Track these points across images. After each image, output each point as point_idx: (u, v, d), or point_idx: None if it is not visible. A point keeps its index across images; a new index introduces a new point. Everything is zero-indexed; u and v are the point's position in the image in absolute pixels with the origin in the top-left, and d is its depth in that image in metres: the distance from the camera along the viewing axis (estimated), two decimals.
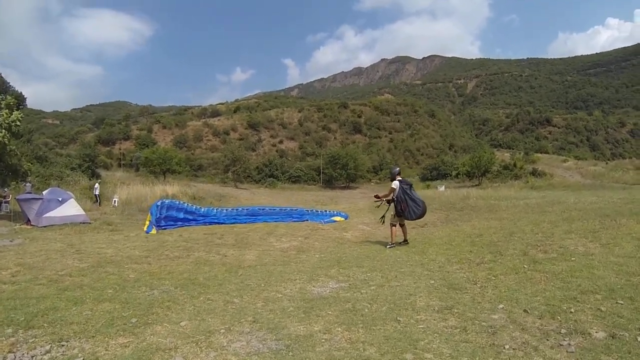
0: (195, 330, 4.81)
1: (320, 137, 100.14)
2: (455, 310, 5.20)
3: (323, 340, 4.46)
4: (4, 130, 19.65)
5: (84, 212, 17.73)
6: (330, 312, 5.37)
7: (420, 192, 36.69)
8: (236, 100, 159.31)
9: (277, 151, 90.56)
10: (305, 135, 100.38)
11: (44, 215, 16.01)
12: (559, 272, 6.51)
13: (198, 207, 18.43)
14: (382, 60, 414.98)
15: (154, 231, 14.61)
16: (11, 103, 21.47)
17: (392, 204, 10.71)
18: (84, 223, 16.56)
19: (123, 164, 71.85)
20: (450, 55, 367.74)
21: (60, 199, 17.04)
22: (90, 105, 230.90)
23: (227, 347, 4.34)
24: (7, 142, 19.83)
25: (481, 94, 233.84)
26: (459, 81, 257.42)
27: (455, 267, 7.63)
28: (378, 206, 12.46)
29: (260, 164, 73.17)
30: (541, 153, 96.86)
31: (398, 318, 5.01)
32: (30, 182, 22.98)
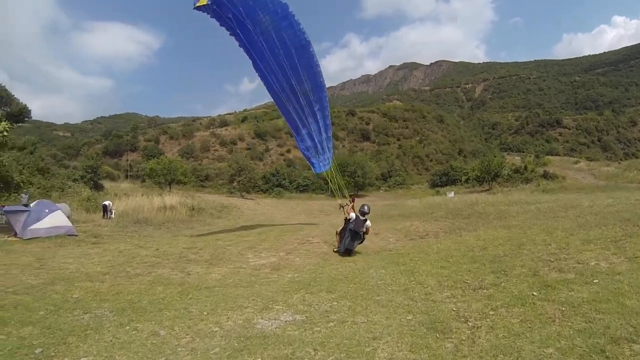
0: None
1: None
2: None
3: None
4: None
5: (70, 224, 16.78)
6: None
7: (429, 199, 35.81)
8: (244, 110, 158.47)
9: (284, 160, 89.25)
10: None
11: (29, 228, 15.12)
12: (578, 303, 5.00)
13: None
14: (390, 67, 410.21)
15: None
16: None
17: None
18: (70, 235, 15.80)
19: (130, 175, 71.16)
20: (457, 60, 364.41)
21: (47, 211, 16.24)
22: (101, 117, 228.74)
23: None
24: None
25: (489, 98, 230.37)
26: (467, 86, 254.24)
27: (446, 293, 6.18)
28: (341, 207, 12.99)
29: (267, 174, 71.83)
30: (552, 155, 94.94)
31: None
32: (26, 194, 22.13)
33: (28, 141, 39.69)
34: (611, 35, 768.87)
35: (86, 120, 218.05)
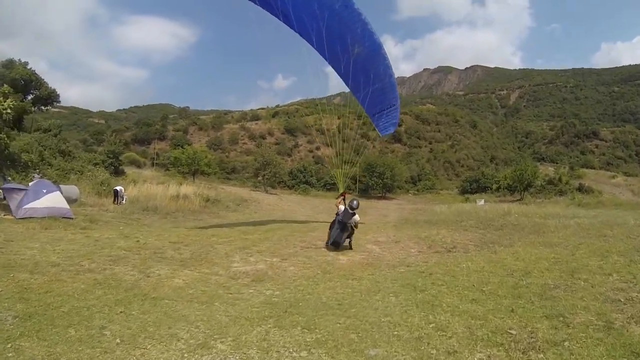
0: None
1: (358, 144, 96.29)
2: None
3: None
4: None
5: (67, 207, 15.99)
6: None
7: (458, 205, 33.54)
8: (277, 106, 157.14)
9: (313, 157, 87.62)
10: (343, 142, 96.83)
11: (24, 207, 14.56)
12: None
13: None
14: (425, 70, 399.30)
15: None
16: (6, 91, 20.79)
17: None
18: (65, 217, 15.01)
19: (156, 163, 71.07)
20: (492, 66, 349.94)
21: (44, 191, 15.59)
22: (135, 106, 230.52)
23: None
24: None
25: (524, 106, 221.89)
26: (502, 92, 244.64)
27: (479, 355, 4.00)
28: (337, 197, 13.19)
29: (294, 170, 70.52)
30: (587, 168, 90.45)
31: None
32: (39, 174, 21.77)
33: (53, 124, 39.74)
34: None
35: (121, 109, 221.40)
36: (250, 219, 24.01)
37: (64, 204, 15.91)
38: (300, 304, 5.81)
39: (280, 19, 13.29)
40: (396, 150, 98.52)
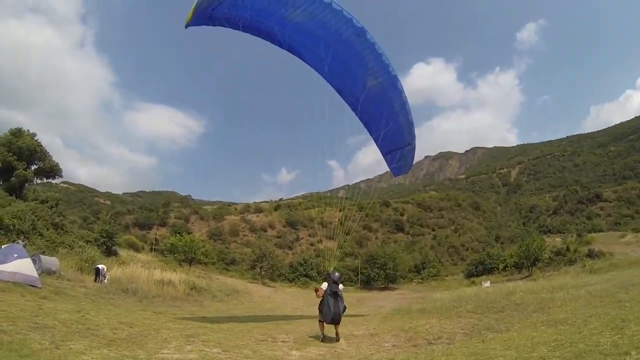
0: None
1: (361, 236, 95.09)
2: None
3: None
4: None
5: (36, 275, 15.90)
6: None
7: (461, 290, 31.59)
8: (280, 199, 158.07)
9: (314, 250, 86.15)
10: (346, 235, 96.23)
11: None
12: None
13: None
14: (426, 157, 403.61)
15: None
16: None
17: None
18: (31, 285, 14.99)
19: (155, 249, 70.59)
20: (491, 146, 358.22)
21: (15, 255, 15.72)
22: (142, 191, 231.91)
23: None
24: None
25: (525, 181, 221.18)
26: (502, 170, 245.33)
27: None
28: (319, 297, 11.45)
29: (294, 263, 69.55)
30: (595, 232, 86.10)
31: None
32: (22, 242, 21.14)
33: (50, 196, 40.06)
34: (638, 99, 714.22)
35: (127, 192, 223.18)
36: (233, 309, 22.98)
37: (33, 272, 15.70)
38: None
39: (284, 49, 12.15)
40: (399, 240, 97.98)
